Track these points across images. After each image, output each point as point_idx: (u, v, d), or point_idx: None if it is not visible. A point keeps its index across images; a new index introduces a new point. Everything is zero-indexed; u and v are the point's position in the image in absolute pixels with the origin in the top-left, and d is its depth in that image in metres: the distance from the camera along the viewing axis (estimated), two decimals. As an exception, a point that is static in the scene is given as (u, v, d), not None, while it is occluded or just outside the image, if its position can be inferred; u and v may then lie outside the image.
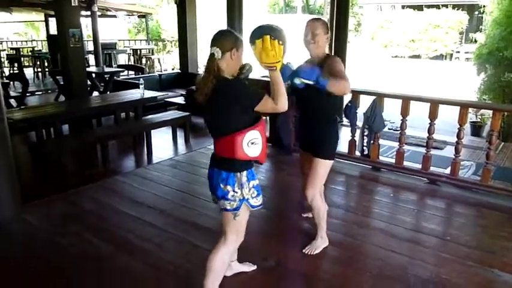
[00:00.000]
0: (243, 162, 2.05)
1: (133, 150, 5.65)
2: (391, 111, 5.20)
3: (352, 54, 13.31)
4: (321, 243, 2.97)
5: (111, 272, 2.74)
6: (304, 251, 2.91)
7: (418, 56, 22.39)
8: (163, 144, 5.67)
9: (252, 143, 2.01)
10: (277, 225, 3.45)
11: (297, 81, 2.46)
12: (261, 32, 2.01)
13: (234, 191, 2.06)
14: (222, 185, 2.07)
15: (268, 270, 2.75)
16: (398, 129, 4.50)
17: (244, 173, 2.07)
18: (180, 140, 5.84)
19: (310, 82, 2.41)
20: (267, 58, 1.99)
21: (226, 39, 2.04)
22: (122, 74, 9.72)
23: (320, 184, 2.85)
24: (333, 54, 6.71)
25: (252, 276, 2.68)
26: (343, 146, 5.03)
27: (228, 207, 2.10)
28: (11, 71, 12.19)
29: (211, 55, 2.01)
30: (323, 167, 2.77)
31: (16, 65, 12.42)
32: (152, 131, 5.49)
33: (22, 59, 13.09)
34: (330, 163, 2.82)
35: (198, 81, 2.07)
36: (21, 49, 13.89)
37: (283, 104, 2.00)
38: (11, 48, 14.03)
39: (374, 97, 4.56)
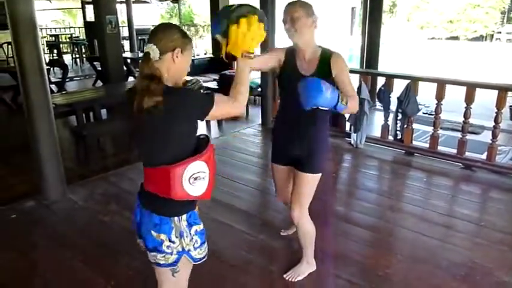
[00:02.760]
0: (183, 202, 1.54)
1: (168, 134, 5.81)
2: (426, 95, 5.11)
3: (387, 36, 13.02)
4: (306, 268, 2.58)
5: (150, 249, 2.89)
6: (285, 276, 2.56)
7: (456, 37, 21.67)
8: (197, 128, 5.79)
9: (195, 178, 1.49)
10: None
11: (308, 107, 1.89)
12: (248, 10, 1.61)
13: (170, 240, 1.56)
14: (154, 233, 1.56)
15: (299, 251, 2.82)
16: (434, 113, 4.43)
17: (184, 216, 1.57)
18: (213, 123, 5.96)
19: (326, 108, 1.94)
20: (251, 43, 1.61)
21: (168, 35, 1.53)
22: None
23: (309, 202, 2.41)
24: (365, 38, 6.60)
25: (282, 255, 2.77)
26: (376, 131, 5.02)
27: (162, 262, 1.59)
28: (51, 57, 12.63)
29: (146, 55, 1.50)
30: (312, 182, 2.32)
31: (55, 51, 12.87)
32: (186, 115, 5.61)
33: (61, 45, 13.54)
34: (319, 176, 2.36)
35: (136, 86, 1.52)
36: (59, 36, 14.35)
37: (242, 104, 1.61)
38: (50, 35, 14.50)
39: (408, 81, 4.49)
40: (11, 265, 2.73)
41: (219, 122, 5.94)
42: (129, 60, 8.76)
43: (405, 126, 4.56)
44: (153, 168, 1.54)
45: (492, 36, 21.51)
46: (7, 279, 2.59)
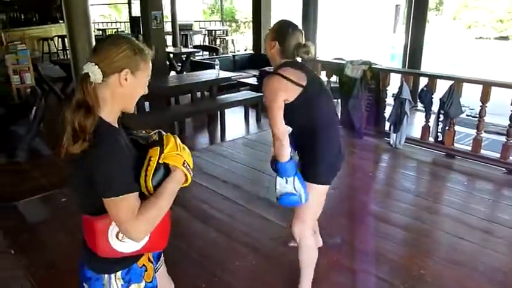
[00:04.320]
0: (116, 258, 1.27)
1: (207, 128, 5.95)
2: (471, 97, 4.98)
3: (432, 35, 12.67)
4: None
5: (188, 235, 3.02)
6: None
7: (505, 37, 20.72)
8: (236, 123, 5.91)
9: None
10: (345, 205, 3.52)
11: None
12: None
13: None
14: (85, 286, 1.34)
15: (333, 247, 2.86)
16: (478, 116, 4.32)
17: (119, 274, 1.30)
18: (252, 120, 6.05)
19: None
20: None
21: (113, 52, 1.20)
22: (197, 54, 10.12)
23: (311, 218, 2.24)
24: (409, 37, 6.47)
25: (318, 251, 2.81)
26: (416, 131, 4.95)
27: None
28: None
29: (84, 76, 1.19)
30: (312, 193, 2.12)
31: (102, 45, 13.38)
32: (226, 110, 5.75)
33: (107, 39, 14.05)
34: (322, 188, 2.19)
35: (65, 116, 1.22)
36: (106, 30, 14.89)
37: (143, 230, 1.18)
38: (98, 29, 15.05)
39: (451, 82, 4.40)
40: (59, 244, 2.93)
41: (258, 118, 6.02)
42: (171, 55, 9.00)
43: (447, 128, 4.47)
44: (83, 216, 1.28)
45: (545, 36, 20.46)
46: (56, 257, 2.78)
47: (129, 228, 1.15)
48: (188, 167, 1.27)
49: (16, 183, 3.89)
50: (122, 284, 1.31)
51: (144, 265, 1.37)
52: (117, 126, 1.28)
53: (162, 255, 1.63)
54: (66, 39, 8.46)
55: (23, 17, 12.06)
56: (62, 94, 7.16)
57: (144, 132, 1.36)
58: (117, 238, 1.22)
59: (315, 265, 2.36)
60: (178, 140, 1.30)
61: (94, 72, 1.18)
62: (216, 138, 5.51)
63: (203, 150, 4.79)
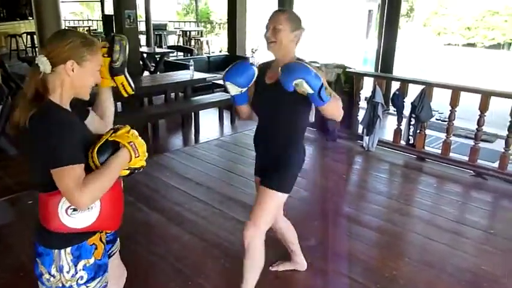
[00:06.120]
0: (66, 234, 1.34)
1: (181, 129, 5.88)
2: (440, 101, 5.11)
3: (402, 41, 12.97)
4: None
5: (162, 238, 2.97)
6: None
7: (473, 44, 21.45)
8: (210, 125, 5.87)
9: (74, 209, 1.30)
10: (319, 207, 3.54)
11: (295, 84, 1.75)
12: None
13: (50, 274, 1.38)
14: (38, 261, 1.41)
15: (309, 249, 2.85)
16: (447, 119, 4.44)
17: (68, 249, 1.36)
18: (226, 122, 6.02)
19: (311, 91, 1.76)
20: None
21: (59, 44, 1.31)
22: (171, 55, 10.02)
23: (267, 225, 2.10)
24: (381, 42, 6.58)
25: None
26: (388, 135, 5.04)
27: None
28: (69, 49, 12.78)
29: (34, 68, 1.31)
30: (276, 200, 2.06)
31: (73, 43, 13.05)
32: (200, 112, 5.69)
33: (79, 37, 13.71)
34: (285, 197, 2.10)
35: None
36: (77, 28, 14.55)
37: (86, 201, 1.23)
38: (68, 27, 14.68)
39: (423, 86, 4.50)
40: (26, 247, 2.80)
41: (232, 120, 5.99)
42: (145, 55, 8.86)
43: (418, 131, 4.57)
44: (38, 192, 1.36)
45: (510, 44, 21.28)
46: (23, 260, 2.67)
47: (73, 197, 1.22)
48: (134, 147, 1.37)
49: (-20, 185, 3.74)
50: (71, 259, 1.38)
51: (94, 243, 1.43)
52: (67, 108, 1.37)
53: (118, 240, 1.68)
54: (35, 36, 8.24)
55: (-11, 12, 11.65)
56: (30, 93, 6.93)
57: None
58: (67, 214, 1.30)
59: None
60: (135, 132, 1.44)
61: (43, 63, 1.29)
62: (190, 140, 5.45)
63: (177, 152, 4.72)
